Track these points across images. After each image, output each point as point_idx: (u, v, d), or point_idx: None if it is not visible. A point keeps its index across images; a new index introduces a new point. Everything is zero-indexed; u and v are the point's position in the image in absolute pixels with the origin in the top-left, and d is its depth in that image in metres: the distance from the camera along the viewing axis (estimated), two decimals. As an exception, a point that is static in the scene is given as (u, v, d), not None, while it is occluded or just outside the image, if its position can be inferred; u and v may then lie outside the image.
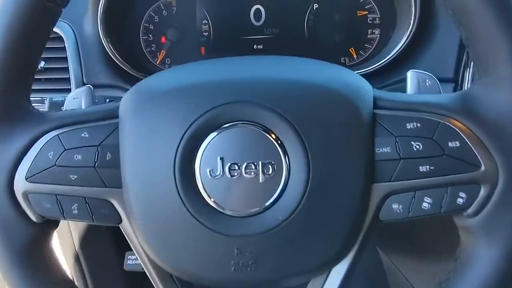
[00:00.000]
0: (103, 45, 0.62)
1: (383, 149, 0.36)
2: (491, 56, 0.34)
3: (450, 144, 0.35)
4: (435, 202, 0.35)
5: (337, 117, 0.35)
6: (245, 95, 0.35)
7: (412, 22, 0.59)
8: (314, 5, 0.67)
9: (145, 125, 0.35)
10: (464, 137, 0.35)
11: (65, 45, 0.62)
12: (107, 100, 0.59)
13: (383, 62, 0.61)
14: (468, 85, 0.58)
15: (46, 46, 0.37)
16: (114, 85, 0.64)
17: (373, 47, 0.67)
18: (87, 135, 0.35)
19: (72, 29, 0.63)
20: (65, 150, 0.35)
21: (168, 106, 0.35)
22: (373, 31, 0.67)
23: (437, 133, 0.35)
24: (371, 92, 0.37)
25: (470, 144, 0.34)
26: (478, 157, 0.34)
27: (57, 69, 0.63)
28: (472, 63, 0.55)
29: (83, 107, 0.39)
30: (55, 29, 0.61)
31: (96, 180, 0.35)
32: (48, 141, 0.35)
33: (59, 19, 0.37)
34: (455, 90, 0.58)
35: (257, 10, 0.68)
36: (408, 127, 0.36)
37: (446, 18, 0.59)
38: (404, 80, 0.61)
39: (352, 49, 0.68)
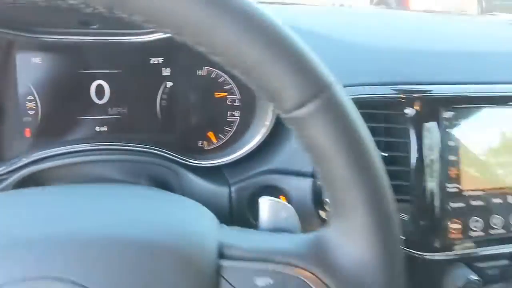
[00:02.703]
0: None
1: (230, 312, 0.31)
2: (347, 201, 0.32)
3: (303, 301, 0.32)
4: None
5: (166, 282, 0.30)
6: (36, 268, 0.27)
7: (269, 122, 0.59)
8: (168, 83, 0.62)
9: None
10: (318, 292, 0.32)
11: None
12: None
13: (240, 155, 0.59)
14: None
15: None
16: None
17: (234, 130, 0.65)
18: None
19: None
20: None
21: None
22: (233, 113, 0.65)
23: (290, 289, 0.32)
24: (214, 239, 0.33)
25: (324, 300, 0.32)
26: None
27: None
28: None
29: None
30: None
31: None
32: None
33: None
34: (313, 184, 0.57)
35: (99, 86, 0.61)
36: (258, 284, 0.32)
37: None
38: (267, 172, 0.60)
39: (210, 133, 0.64)
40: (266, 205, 0.38)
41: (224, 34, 0.28)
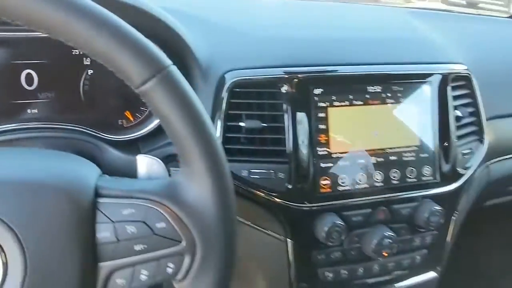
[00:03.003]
0: None
1: (103, 233, 0.44)
2: (187, 153, 0.45)
3: (157, 225, 0.45)
4: (151, 274, 0.45)
5: (53, 212, 0.42)
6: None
7: None
8: (89, 70, 0.74)
9: None
10: (169, 218, 0.45)
11: None
12: None
13: (148, 130, 0.71)
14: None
15: None
16: None
17: (149, 109, 0.77)
18: None
19: None
20: None
21: None
22: (148, 95, 0.77)
23: (148, 216, 0.45)
24: (92, 183, 0.45)
25: (173, 224, 0.45)
26: (180, 233, 0.45)
27: None
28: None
29: None
30: None
31: None
32: None
33: None
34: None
35: (29, 74, 0.71)
36: (124, 213, 0.45)
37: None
38: (172, 143, 0.73)
39: (127, 112, 0.76)
40: (142, 161, 0.51)
41: (79, 32, 0.40)
